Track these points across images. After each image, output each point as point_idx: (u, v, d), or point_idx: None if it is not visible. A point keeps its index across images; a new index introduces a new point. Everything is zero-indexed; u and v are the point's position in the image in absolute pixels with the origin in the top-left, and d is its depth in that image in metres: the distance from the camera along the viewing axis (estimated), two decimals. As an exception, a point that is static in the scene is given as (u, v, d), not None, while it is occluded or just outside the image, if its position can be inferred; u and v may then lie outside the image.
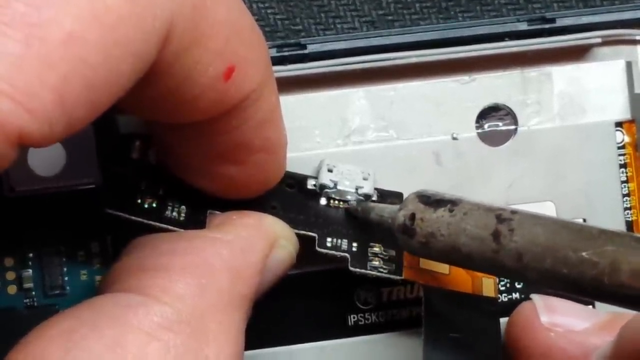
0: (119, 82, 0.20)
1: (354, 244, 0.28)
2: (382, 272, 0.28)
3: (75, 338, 0.22)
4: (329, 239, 0.28)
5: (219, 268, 0.24)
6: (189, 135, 0.25)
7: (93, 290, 0.28)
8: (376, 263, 0.28)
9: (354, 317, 0.30)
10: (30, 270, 0.29)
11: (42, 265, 0.29)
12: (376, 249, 0.28)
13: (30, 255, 0.29)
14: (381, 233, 0.28)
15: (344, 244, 0.28)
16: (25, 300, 0.29)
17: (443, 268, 0.29)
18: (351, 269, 0.28)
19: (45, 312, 0.28)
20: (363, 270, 0.28)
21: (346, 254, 0.28)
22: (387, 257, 0.28)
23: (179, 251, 0.25)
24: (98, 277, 0.29)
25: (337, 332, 0.30)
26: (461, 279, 0.29)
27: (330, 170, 0.29)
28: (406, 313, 0.30)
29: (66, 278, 0.29)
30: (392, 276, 0.28)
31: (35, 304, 0.29)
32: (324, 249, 0.28)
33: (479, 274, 0.29)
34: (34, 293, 0.29)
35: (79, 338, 0.22)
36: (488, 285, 0.29)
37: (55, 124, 0.19)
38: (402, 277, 0.28)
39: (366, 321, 0.30)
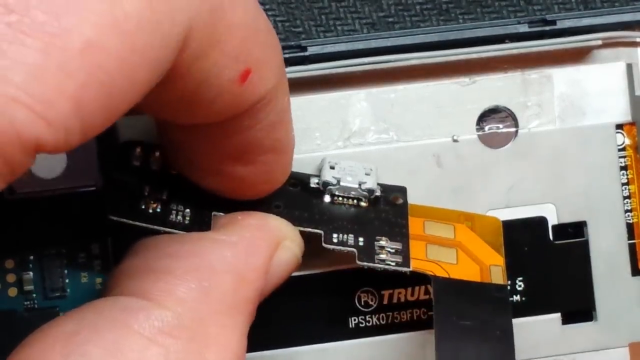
0: (136, 89, 0.19)
1: (360, 239, 0.28)
2: (389, 264, 0.28)
3: (75, 342, 0.22)
4: (335, 235, 0.28)
5: (222, 271, 0.24)
6: (199, 135, 0.25)
7: (94, 293, 0.28)
8: (383, 256, 0.28)
9: (355, 320, 0.30)
10: (31, 273, 0.29)
11: (42, 267, 0.29)
12: (382, 242, 0.28)
13: (31, 257, 0.29)
14: None
15: (351, 239, 0.28)
16: (25, 303, 0.29)
17: (451, 258, 0.29)
18: (359, 263, 0.28)
19: (45, 314, 0.28)
20: (371, 264, 0.28)
21: (353, 249, 0.28)
22: (394, 250, 0.28)
23: (182, 254, 0.24)
24: (99, 280, 0.29)
25: (338, 334, 0.30)
26: (469, 268, 0.29)
27: (332, 168, 0.29)
28: (407, 315, 0.30)
29: (67, 280, 0.29)
30: (400, 268, 0.28)
31: (36, 306, 0.29)
32: (331, 244, 0.28)
33: (487, 262, 0.29)
34: (34, 295, 0.29)
35: (80, 342, 0.22)
36: (496, 272, 0.29)
37: (72, 132, 0.18)
38: (411, 269, 0.28)
39: (367, 323, 0.30)
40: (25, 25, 0.18)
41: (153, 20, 0.19)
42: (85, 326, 0.22)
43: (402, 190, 0.30)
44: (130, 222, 0.26)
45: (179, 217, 0.27)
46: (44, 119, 0.18)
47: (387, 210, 0.29)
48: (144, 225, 0.26)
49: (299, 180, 0.29)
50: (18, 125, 0.17)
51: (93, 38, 0.18)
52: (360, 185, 0.29)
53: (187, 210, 0.27)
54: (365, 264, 0.28)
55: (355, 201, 0.29)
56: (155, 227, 0.26)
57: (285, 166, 0.26)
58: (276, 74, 0.24)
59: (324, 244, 0.28)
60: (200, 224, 0.27)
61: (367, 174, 0.29)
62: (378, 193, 0.29)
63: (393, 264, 0.28)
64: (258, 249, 0.25)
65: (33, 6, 0.18)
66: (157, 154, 0.27)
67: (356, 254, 0.28)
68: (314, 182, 0.29)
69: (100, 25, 0.18)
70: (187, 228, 0.27)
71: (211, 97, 0.22)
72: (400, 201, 0.29)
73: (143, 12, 0.19)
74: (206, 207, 0.27)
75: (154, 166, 0.27)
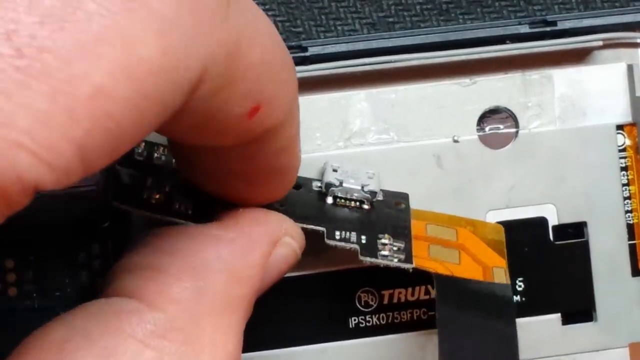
0: (142, 132, 0.19)
1: (363, 237, 0.28)
2: (392, 260, 0.28)
3: (68, 348, 0.22)
4: (337, 232, 0.28)
5: (217, 269, 0.24)
6: (204, 151, 0.24)
7: (94, 293, 0.28)
8: (386, 252, 0.28)
9: (355, 320, 0.30)
10: (31, 272, 0.29)
11: (42, 267, 0.29)
12: (385, 240, 0.28)
13: (31, 257, 0.29)
14: None
15: (353, 236, 0.28)
16: (25, 303, 0.29)
17: (453, 258, 0.29)
18: (361, 258, 0.28)
19: (45, 314, 0.28)
20: (374, 259, 0.28)
21: (355, 245, 0.28)
22: (396, 248, 0.28)
23: (179, 251, 0.24)
24: (99, 280, 0.29)
25: (338, 334, 0.30)
26: (471, 268, 0.29)
27: (335, 170, 0.29)
28: (407, 315, 0.30)
29: (67, 280, 0.29)
30: (402, 265, 0.28)
31: (36, 306, 0.29)
32: (333, 240, 0.28)
33: (490, 264, 0.29)
34: (34, 295, 0.29)
35: (71, 349, 0.22)
36: (499, 274, 0.29)
37: (73, 173, 0.18)
38: (414, 266, 0.28)
39: (367, 323, 0.30)
40: (34, 70, 0.17)
41: (167, 66, 0.19)
42: (78, 331, 0.22)
43: (404, 197, 0.30)
44: (134, 209, 0.26)
45: (183, 207, 0.27)
46: (46, 164, 0.17)
47: (390, 213, 0.29)
48: (147, 213, 0.26)
49: (301, 184, 0.29)
50: (19, 170, 0.17)
51: (103, 85, 0.18)
52: (362, 187, 0.29)
53: (190, 202, 0.27)
54: (367, 259, 0.28)
55: (357, 203, 0.29)
56: (159, 215, 0.26)
57: (289, 184, 0.26)
58: (286, 107, 0.23)
59: (326, 240, 0.28)
60: (204, 214, 0.27)
61: (369, 178, 0.29)
62: (380, 197, 0.29)
63: (395, 260, 0.28)
64: (256, 245, 0.25)
65: (44, 51, 0.17)
66: (161, 150, 0.27)
67: (358, 250, 0.28)
68: (316, 185, 0.29)
69: (112, 72, 0.18)
70: (190, 218, 0.27)
71: (217, 130, 0.22)
72: (403, 206, 0.29)
73: (156, 58, 0.18)
74: (209, 199, 0.27)
75: (157, 162, 0.27)
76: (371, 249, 0.28)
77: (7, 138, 0.17)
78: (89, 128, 0.18)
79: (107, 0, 0.18)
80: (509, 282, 0.29)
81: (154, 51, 0.18)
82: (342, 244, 0.28)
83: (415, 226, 0.29)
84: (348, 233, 0.28)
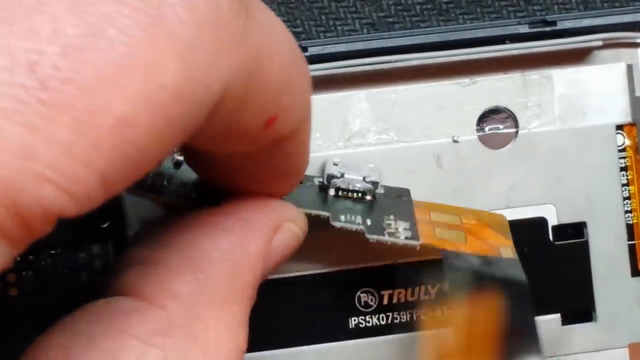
0: (163, 153, 0.19)
1: (368, 220, 0.28)
2: (398, 237, 0.28)
3: (71, 355, 0.22)
4: (342, 216, 0.28)
5: (216, 260, 0.24)
6: (215, 156, 0.24)
7: (94, 293, 0.28)
8: (392, 230, 0.28)
9: (354, 320, 0.30)
10: (31, 272, 0.29)
11: (42, 267, 0.29)
12: (390, 221, 0.28)
13: (31, 257, 0.29)
14: None
15: (358, 219, 0.28)
16: (26, 302, 0.29)
17: (459, 238, 0.29)
18: (368, 236, 0.27)
19: (45, 314, 0.28)
20: (381, 237, 0.27)
21: (361, 226, 0.28)
22: (402, 227, 0.28)
23: (177, 243, 0.24)
24: (99, 280, 0.29)
25: (338, 334, 0.30)
26: (478, 247, 0.29)
27: (335, 164, 0.29)
28: (407, 316, 0.30)
29: (67, 280, 0.29)
30: (409, 242, 0.28)
31: (36, 306, 0.29)
32: (339, 222, 0.28)
33: (496, 244, 0.29)
34: (34, 295, 0.29)
35: (75, 354, 0.22)
36: (506, 251, 0.29)
37: (95, 200, 0.18)
38: (420, 242, 0.28)
39: (367, 324, 0.30)
40: (58, 102, 0.17)
41: (188, 90, 0.19)
42: (80, 336, 0.22)
43: (405, 192, 0.30)
44: (135, 191, 0.26)
45: (185, 191, 0.27)
46: (69, 194, 0.17)
47: (392, 203, 0.29)
48: (149, 194, 0.26)
49: (301, 180, 0.29)
50: (43, 201, 0.17)
51: (125, 114, 0.18)
52: (364, 178, 0.29)
53: (193, 189, 0.27)
54: (374, 237, 0.27)
55: (359, 194, 0.29)
56: (162, 196, 0.26)
57: (295, 183, 0.26)
58: (301, 115, 0.23)
59: (331, 222, 0.27)
60: (206, 199, 0.26)
61: (370, 170, 0.29)
62: (382, 191, 0.29)
63: (402, 237, 0.28)
64: (256, 232, 0.25)
65: (67, 82, 0.17)
66: None
67: (364, 230, 0.28)
68: (318, 180, 0.29)
69: (134, 101, 0.18)
70: (193, 201, 0.26)
71: (233, 141, 0.22)
72: (405, 199, 0.29)
73: (178, 83, 0.18)
74: (213, 187, 0.27)
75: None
76: (377, 228, 0.28)
77: (31, 171, 0.17)
78: (111, 156, 0.18)
79: (127, 27, 0.18)
80: (516, 257, 0.29)
81: (175, 77, 0.18)
82: (348, 225, 0.28)
83: (419, 213, 0.29)
84: (353, 216, 0.28)
